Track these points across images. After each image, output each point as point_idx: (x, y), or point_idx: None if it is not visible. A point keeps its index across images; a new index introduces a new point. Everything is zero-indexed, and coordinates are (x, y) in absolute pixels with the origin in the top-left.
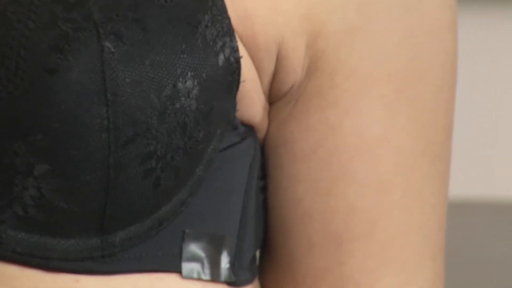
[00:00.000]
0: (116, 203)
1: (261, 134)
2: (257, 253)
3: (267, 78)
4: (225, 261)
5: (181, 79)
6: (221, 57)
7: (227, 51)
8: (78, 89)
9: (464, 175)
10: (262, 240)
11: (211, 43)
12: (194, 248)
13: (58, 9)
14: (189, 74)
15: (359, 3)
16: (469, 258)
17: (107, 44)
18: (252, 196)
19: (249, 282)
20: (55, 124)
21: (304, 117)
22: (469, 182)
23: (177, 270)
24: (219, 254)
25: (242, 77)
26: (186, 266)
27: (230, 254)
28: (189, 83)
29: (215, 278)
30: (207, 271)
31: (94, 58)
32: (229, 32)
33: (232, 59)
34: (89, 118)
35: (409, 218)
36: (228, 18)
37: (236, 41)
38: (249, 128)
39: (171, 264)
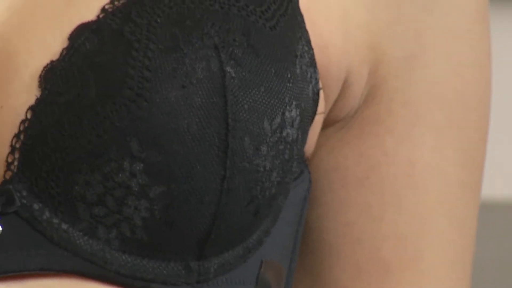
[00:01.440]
0: (221, 228)
1: (308, 158)
2: None
3: (329, 106)
4: None
5: (288, 108)
6: (310, 88)
7: (313, 82)
8: (201, 113)
9: None
10: (300, 266)
11: (304, 74)
12: (267, 278)
13: (177, 31)
14: (294, 103)
15: (417, 31)
16: None
17: (229, 69)
18: (302, 228)
19: None
20: (176, 146)
21: (358, 142)
22: None
23: None
24: (281, 285)
25: (319, 109)
26: None
27: (283, 285)
28: (293, 113)
29: None
30: None
31: (217, 82)
32: (314, 62)
33: (315, 90)
34: (209, 142)
35: (451, 249)
36: (312, 49)
37: (318, 72)
38: (303, 159)
39: None
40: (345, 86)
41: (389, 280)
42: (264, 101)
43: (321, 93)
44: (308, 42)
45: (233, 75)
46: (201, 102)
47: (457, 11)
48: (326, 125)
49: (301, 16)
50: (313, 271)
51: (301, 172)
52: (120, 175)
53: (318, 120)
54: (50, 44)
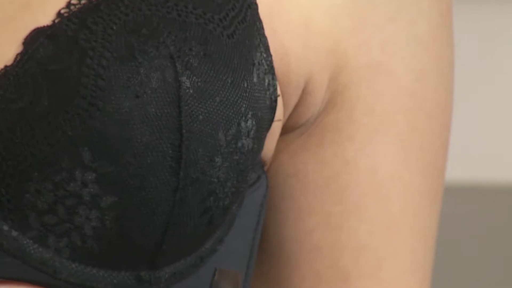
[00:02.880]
0: (173, 239)
1: (266, 165)
2: None
3: (288, 113)
4: None
5: (244, 118)
6: (268, 95)
7: (271, 89)
8: (154, 124)
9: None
10: (257, 273)
11: (262, 82)
12: (221, 286)
13: (133, 40)
14: (250, 113)
15: (382, 39)
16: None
17: (184, 79)
18: (259, 235)
19: None
20: (129, 157)
21: (319, 149)
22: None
23: None
24: None
25: (277, 116)
26: None
27: None
28: (249, 123)
29: None
30: None
31: (172, 93)
32: (272, 69)
33: (273, 98)
34: (162, 153)
35: (413, 258)
36: (271, 56)
37: (276, 79)
38: (261, 165)
39: None
40: (305, 92)
41: None
42: (219, 112)
43: (280, 100)
44: (267, 48)
45: (188, 85)
46: (155, 113)
47: (422, 19)
48: (286, 131)
49: (260, 22)
50: (271, 278)
51: (258, 178)
52: (72, 184)
53: (276, 126)
54: (4, 49)
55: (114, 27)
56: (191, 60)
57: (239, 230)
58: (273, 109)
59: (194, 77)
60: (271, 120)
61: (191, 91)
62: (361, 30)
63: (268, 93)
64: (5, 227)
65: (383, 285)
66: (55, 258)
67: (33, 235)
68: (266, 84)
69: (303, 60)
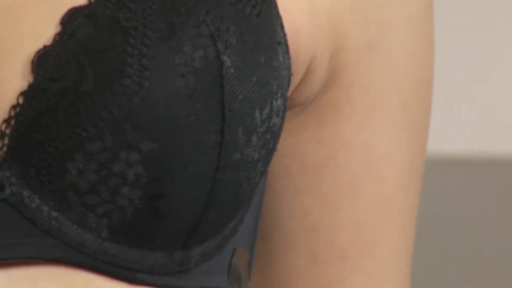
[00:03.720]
0: (210, 219)
1: None
2: None
3: (291, 91)
4: (248, 281)
5: (275, 97)
6: (287, 75)
7: (289, 68)
8: (199, 103)
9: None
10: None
11: (284, 61)
12: (237, 266)
13: (174, 18)
14: (279, 92)
15: (379, 17)
16: None
17: (225, 58)
18: (261, 212)
19: None
20: (172, 136)
21: (317, 129)
22: None
23: (224, 286)
24: (247, 272)
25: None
26: (232, 285)
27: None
28: (279, 102)
29: None
30: None
31: (214, 72)
32: (287, 49)
33: (289, 77)
34: (205, 133)
35: (403, 237)
36: (285, 34)
37: (290, 58)
38: None
39: (220, 281)
40: (309, 70)
41: (344, 268)
42: (255, 91)
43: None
44: (283, 27)
45: (229, 64)
46: (199, 92)
47: (415, 2)
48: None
49: (275, 1)
50: (268, 257)
51: None
52: (116, 164)
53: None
54: (41, 29)
55: (153, 7)
56: (230, 39)
57: (250, 208)
58: (288, 88)
59: (234, 56)
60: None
61: (232, 70)
62: (360, 9)
63: (288, 72)
64: (45, 208)
65: (377, 264)
66: (94, 239)
67: (73, 216)
68: (286, 63)
69: (310, 38)
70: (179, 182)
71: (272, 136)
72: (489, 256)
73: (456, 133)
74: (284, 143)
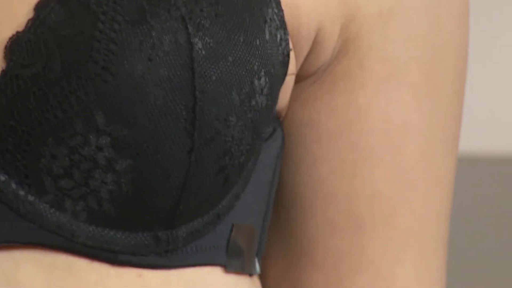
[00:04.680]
0: (190, 199)
1: (281, 117)
2: None
3: (299, 64)
4: (255, 253)
5: (257, 76)
6: (280, 51)
7: (283, 44)
8: (168, 86)
9: None
10: (273, 221)
11: (274, 38)
12: (238, 241)
13: (144, 3)
14: (263, 70)
15: None
16: None
17: (196, 41)
18: (275, 187)
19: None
20: (142, 120)
21: (331, 97)
22: None
23: (223, 263)
24: (253, 247)
25: (290, 70)
26: (230, 261)
27: (257, 245)
28: (262, 80)
29: (250, 271)
30: (245, 265)
31: (184, 55)
32: (284, 24)
33: (285, 52)
34: (176, 115)
35: (428, 206)
36: (282, 10)
37: (288, 34)
38: (277, 117)
39: (218, 257)
40: (316, 42)
41: (363, 236)
42: (232, 71)
43: (292, 53)
44: (278, 3)
45: (200, 46)
46: (167, 75)
47: None
48: (298, 80)
49: None
50: (286, 226)
51: (273, 131)
52: (86, 148)
53: (290, 79)
54: (16, 15)
55: None
56: (202, 21)
57: (255, 184)
58: (285, 63)
59: (206, 38)
60: (284, 75)
61: (203, 52)
62: None
63: (280, 48)
64: (21, 192)
65: (397, 232)
66: (72, 221)
67: (49, 200)
68: (278, 39)
69: (313, 12)
70: (153, 165)
71: (255, 115)
72: (490, 256)
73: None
74: (302, 112)
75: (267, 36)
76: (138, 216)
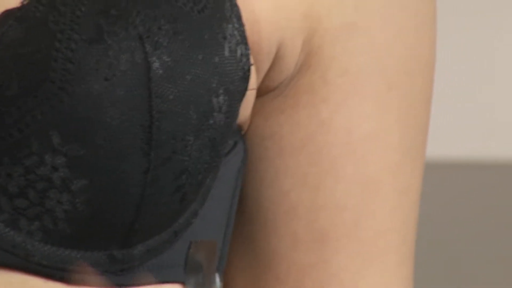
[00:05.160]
0: (145, 218)
1: (243, 130)
2: None
3: (260, 78)
4: (215, 268)
5: (215, 94)
6: (240, 67)
7: (244, 60)
8: (124, 106)
9: None
10: (236, 235)
11: (234, 54)
12: (197, 258)
13: (102, 21)
14: (222, 88)
15: (356, 0)
16: None
17: (153, 59)
18: (236, 200)
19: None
20: (99, 140)
21: (294, 111)
22: None
23: (182, 280)
24: (213, 262)
25: (250, 85)
26: (189, 278)
27: (217, 260)
28: (221, 98)
29: (209, 286)
30: (205, 281)
31: (141, 74)
32: (244, 39)
33: (246, 68)
34: (133, 135)
35: (393, 218)
36: (243, 25)
37: (249, 49)
38: (238, 130)
39: (176, 275)
40: (277, 57)
41: (326, 249)
42: (190, 90)
43: (253, 68)
44: (239, 18)
45: (158, 66)
46: (124, 95)
47: None
48: (260, 94)
49: None
50: (250, 240)
51: (234, 144)
52: (42, 168)
53: (251, 94)
54: None
55: (83, 8)
56: (160, 40)
57: (214, 200)
58: (246, 79)
59: (164, 57)
60: (245, 90)
61: (160, 72)
62: None
63: (240, 64)
64: None
65: (361, 244)
66: (27, 241)
67: (4, 219)
68: (238, 55)
69: (274, 26)
70: (109, 185)
71: (213, 133)
72: (489, 259)
73: (455, 136)
74: (264, 126)
75: (226, 53)
76: (93, 235)
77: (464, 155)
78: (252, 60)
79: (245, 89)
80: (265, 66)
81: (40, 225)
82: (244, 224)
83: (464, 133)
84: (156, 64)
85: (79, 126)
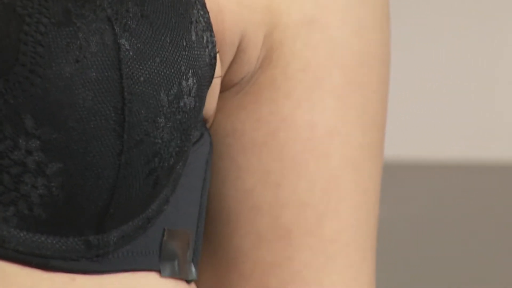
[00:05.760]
0: (120, 202)
1: (208, 125)
2: None
3: (224, 70)
4: (190, 259)
5: (185, 77)
6: (207, 53)
7: (210, 46)
8: (96, 88)
9: None
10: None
11: (201, 39)
12: (171, 246)
13: (70, 4)
14: (190, 71)
15: None
16: None
17: (123, 41)
18: (206, 192)
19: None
20: (72, 123)
21: (255, 108)
22: None
23: (157, 268)
24: (188, 252)
25: (216, 73)
26: (164, 265)
27: (192, 251)
28: (190, 81)
29: (186, 276)
30: (180, 269)
31: (111, 56)
32: (210, 27)
33: (212, 55)
34: (105, 117)
35: (355, 213)
36: (208, 12)
37: (214, 36)
38: (204, 123)
39: (151, 262)
40: (239, 50)
41: (290, 247)
42: (160, 72)
43: (218, 56)
44: (203, 5)
45: (128, 47)
46: (96, 77)
47: None
48: (222, 89)
49: None
50: (215, 239)
51: (201, 135)
52: (16, 152)
53: (216, 83)
54: None
55: None
56: (129, 22)
57: (185, 188)
58: (212, 66)
59: (133, 39)
60: (212, 77)
61: (131, 53)
62: None
63: (207, 50)
64: None
65: (325, 242)
66: (2, 227)
67: None
68: (204, 41)
69: (237, 17)
70: (83, 168)
71: (184, 116)
72: (489, 260)
73: (454, 138)
74: (225, 123)
75: (193, 37)
76: (69, 220)
77: (464, 156)
78: (217, 48)
79: (212, 76)
80: (228, 57)
81: (16, 211)
82: (209, 223)
83: (464, 134)
84: (126, 46)
85: (52, 108)
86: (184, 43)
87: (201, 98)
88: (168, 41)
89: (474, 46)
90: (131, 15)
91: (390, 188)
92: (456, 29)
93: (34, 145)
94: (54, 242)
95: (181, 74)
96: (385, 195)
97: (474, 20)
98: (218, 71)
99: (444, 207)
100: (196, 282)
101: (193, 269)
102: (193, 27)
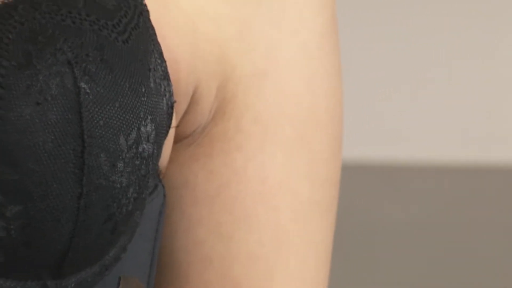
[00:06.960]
0: (79, 247)
1: (161, 175)
2: None
3: (177, 121)
4: None
5: (143, 122)
6: (164, 101)
7: (167, 95)
8: (56, 130)
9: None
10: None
11: (159, 87)
12: None
13: (30, 47)
14: (149, 118)
15: (267, 48)
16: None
17: (83, 85)
18: (158, 243)
19: None
20: (32, 165)
21: (208, 160)
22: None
23: None
24: None
25: (173, 123)
26: None
27: None
28: (149, 127)
29: None
30: None
31: (72, 99)
32: (167, 75)
33: (169, 104)
34: (65, 160)
35: (304, 268)
36: (165, 61)
37: (171, 85)
38: (158, 174)
39: None
40: (193, 101)
41: None
42: (119, 116)
43: (175, 106)
44: (161, 55)
45: (88, 91)
46: (56, 119)
47: (306, 28)
48: (175, 140)
49: (153, 29)
50: None
51: (155, 186)
52: None
53: (172, 133)
54: None
55: (10, 36)
56: (89, 66)
57: (138, 238)
58: (170, 115)
59: (93, 83)
60: (169, 127)
61: (90, 97)
62: (245, 38)
63: (165, 98)
64: None
65: None
66: None
67: None
68: (162, 89)
69: (192, 67)
70: (43, 210)
71: (142, 162)
72: (488, 260)
73: (455, 139)
74: (178, 174)
75: (152, 84)
76: (27, 263)
77: (465, 158)
78: (174, 98)
79: (169, 125)
80: (182, 108)
81: None
82: (162, 274)
83: (464, 136)
84: (86, 89)
85: (12, 150)
86: (143, 89)
87: (159, 145)
88: (127, 86)
89: (474, 46)
90: (91, 59)
91: (391, 189)
92: (456, 29)
93: None
94: (12, 285)
95: (140, 119)
96: (388, 196)
97: (474, 20)
98: (173, 121)
99: (446, 208)
100: None
101: None
102: (151, 75)
